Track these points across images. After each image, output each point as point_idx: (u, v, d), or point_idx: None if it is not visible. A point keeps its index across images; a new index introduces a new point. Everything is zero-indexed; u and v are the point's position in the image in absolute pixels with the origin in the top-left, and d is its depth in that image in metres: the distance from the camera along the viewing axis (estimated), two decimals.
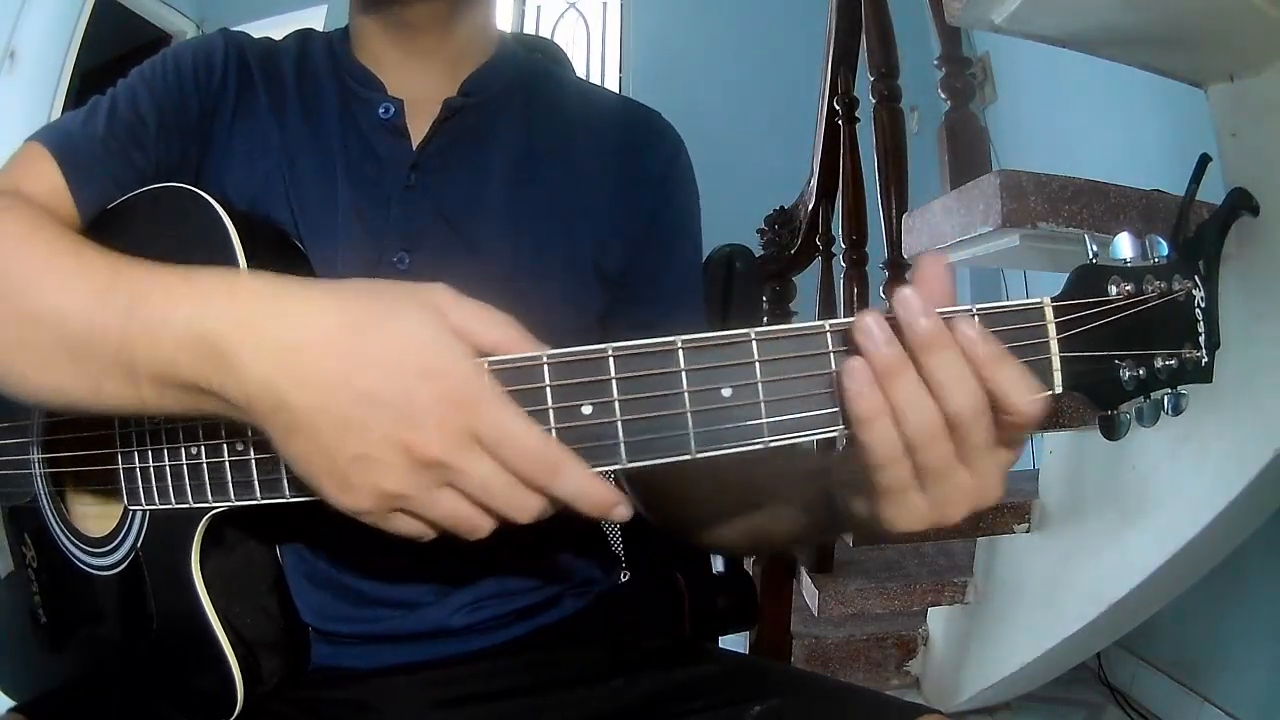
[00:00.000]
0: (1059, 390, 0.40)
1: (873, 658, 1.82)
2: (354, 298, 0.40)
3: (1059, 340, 0.40)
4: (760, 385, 0.39)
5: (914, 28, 2.06)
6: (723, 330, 0.39)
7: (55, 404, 0.45)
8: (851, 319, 0.38)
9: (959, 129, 1.91)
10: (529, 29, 3.49)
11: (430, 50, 0.64)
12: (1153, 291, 0.41)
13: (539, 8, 3.62)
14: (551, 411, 0.39)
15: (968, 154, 1.87)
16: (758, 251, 1.91)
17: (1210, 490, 1.17)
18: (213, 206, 0.51)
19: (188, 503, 0.49)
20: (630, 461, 0.39)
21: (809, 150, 1.98)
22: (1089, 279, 0.41)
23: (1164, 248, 0.42)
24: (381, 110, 0.62)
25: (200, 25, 3.29)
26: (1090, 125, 2.13)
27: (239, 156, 0.61)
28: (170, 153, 0.60)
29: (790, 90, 2.52)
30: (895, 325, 0.38)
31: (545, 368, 0.39)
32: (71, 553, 0.59)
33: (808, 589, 1.66)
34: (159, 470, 0.50)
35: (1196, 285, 0.41)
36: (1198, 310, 0.41)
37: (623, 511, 0.40)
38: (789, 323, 0.41)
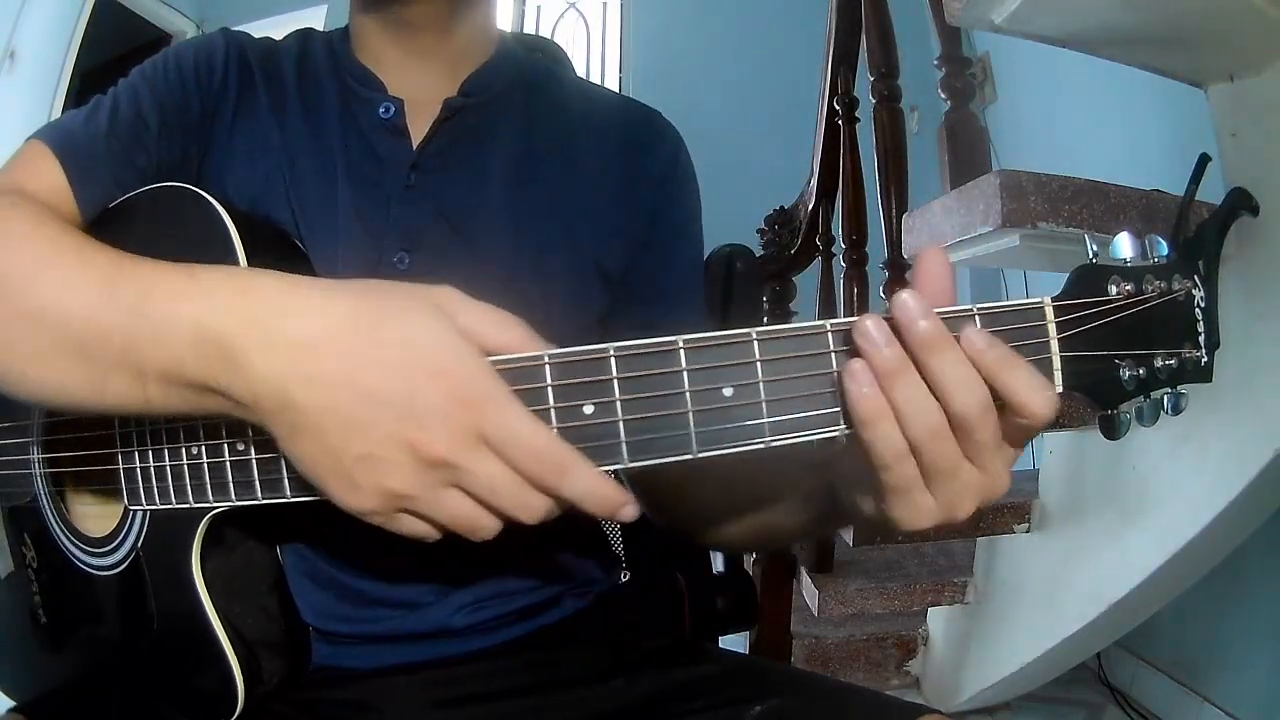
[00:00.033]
0: (1059, 389, 0.40)
1: (873, 658, 1.82)
2: (362, 297, 0.40)
3: (1059, 340, 0.40)
4: (762, 385, 0.39)
5: (914, 28, 2.06)
6: (723, 330, 0.39)
7: (57, 403, 0.45)
8: (853, 319, 0.38)
9: (959, 129, 1.91)
10: (529, 29, 3.49)
11: (430, 49, 0.64)
12: (1152, 291, 0.41)
13: (539, 8, 3.62)
14: (553, 411, 0.39)
15: (968, 154, 1.87)
16: (758, 251, 1.91)
17: (1210, 490, 1.17)
18: (213, 206, 0.51)
19: (188, 503, 0.49)
20: (632, 461, 0.39)
21: (809, 150, 1.98)
22: (1089, 279, 0.41)
23: (1164, 247, 0.42)
24: (382, 110, 0.62)
25: (200, 25, 3.29)
26: (1090, 125, 2.13)
27: (240, 156, 0.61)
28: (172, 152, 0.60)
29: (790, 90, 2.52)
30: (896, 327, 0.38)
31: (547, 368, 0.39)
32: (71, 553, 0.59)
33: (808, 589, 1.66)
34: (159, 470, 0.50)
35: (1196, 285, 0.41)
36: (1197, 310, 0.42)
37: (630, 511, 0.39)
38: (789, 323, 0.41)
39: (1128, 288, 0.40)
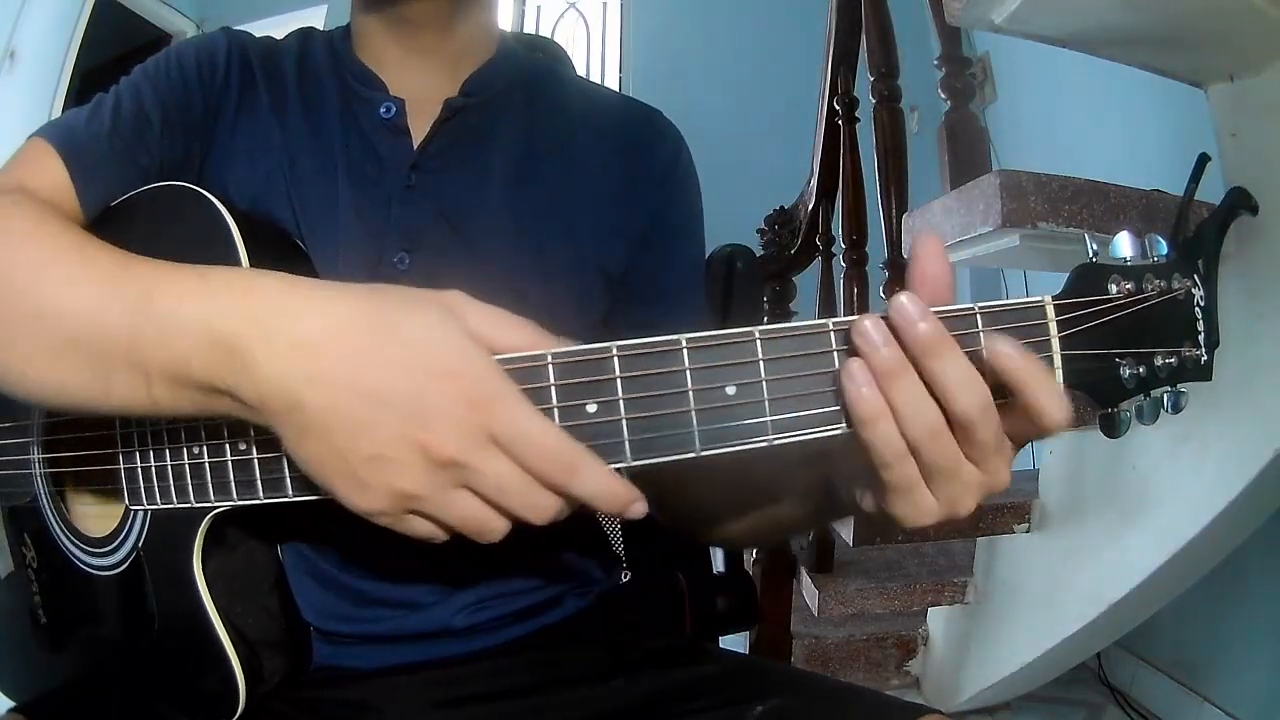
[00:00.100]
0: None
1: (873, 658, 1.82)
2: (369, 299, 0.40)
3: (1060, 338, 0.40)
4: (764, 384, 0.39)
5: (914, 28, 2.06)
6: (724, 330, 0.39)
7: (59, 404, 0.45)
8: (854, 317, 0.38)
9: (959, 129, 1.91)
10: (529, 29, 3.49)
11: (431, 48, 0.64)
12: (1152, 290, 0.41)
13: (539, 8, 3.62)
14: (556, 410, 0.39)
15: (968, 154, 1.87)
16: (758, 251, 1.91)
17: (1210, 490, 1.17)
18: (215, 205, 0.51)
19: (190, 502, 0.49)
20: (635, 460, 0.39)
21: (809, 150, 1.98)
22: (1089, 278, 0.41)
23: (1163, 247, 0.42)
24: (383, 110, 0.62)
25: (200, 25, 3.29)
26: (1090, 125, 2.13)
27: (241, 155, 0.61)
28: (174, 150, 0.59)
29: (790, 90, 2.52)
30: (894, 327, 0.38)
31: (550, 367, 0.39)
32: (72, 553, 0.59)
33: (808, 589, 1.66)
34: (160, 470, 0.50)
35: (1196, 284, 0.42)
36: (1197, 309, 0.42)
37: (639, 508, 0.39)
38: (790, 322, 0.41)
39: (1128, 287, 0.40)
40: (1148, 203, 1.18)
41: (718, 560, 0.93)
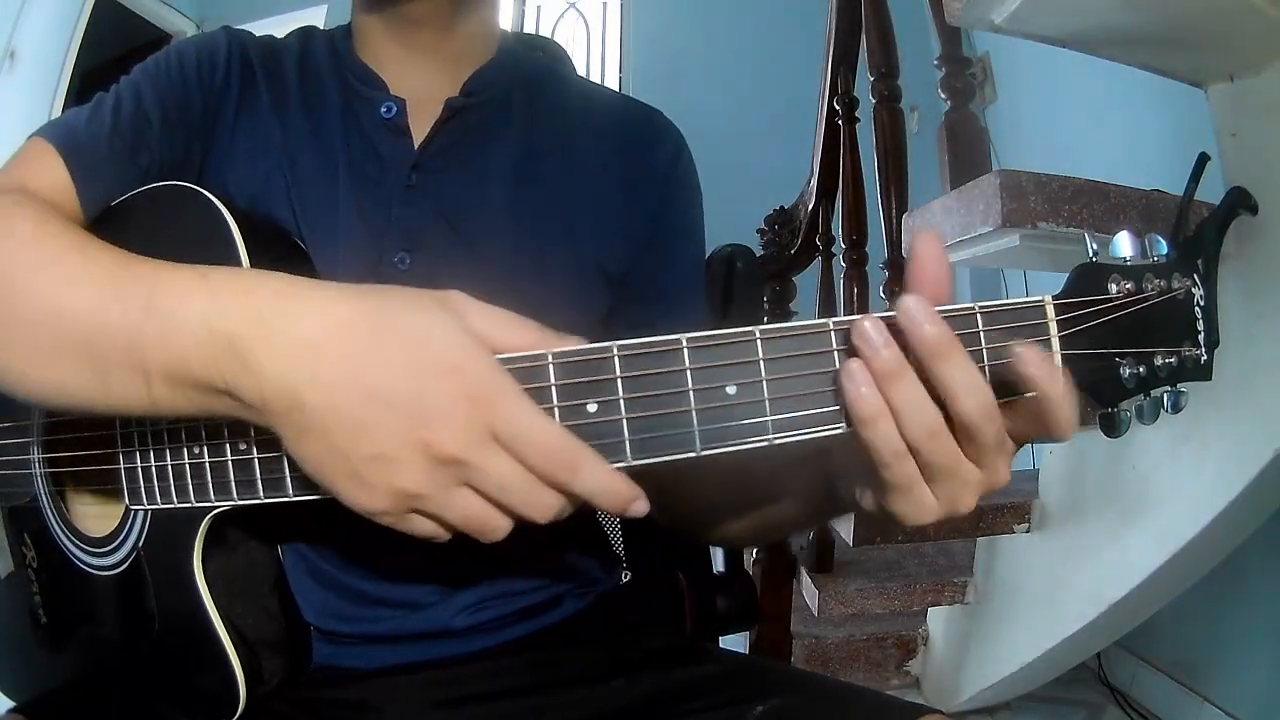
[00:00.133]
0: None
1: (873, 658, 1.82)
2: (369, 299, 0.40)
3: (1060, 338, 0.40)
4: (765, 383, 0.39)
5: (914, 28, 2.06)
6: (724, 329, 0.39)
7: (59, 403, 0.45)
8: (854, 317, 0.38)
9: (959, 129, 1.91)
10: (529, 29, 3.49)
11: (432, 48, 0.64)
12: (1152, 290, 0.41)
13: (539, 8, 3.62)
14: (556, 410, 0.39)
15: (968, 154, 1.87)
16: (758, 251, 1.91)
17: (1210, 490, 1.17)
18: (215, 205, 0.51)
19: (190, 502, 0.49)
20: (635, 459, 0.39)
21: (809, 150, 1.98)
22: (1089, 277, 0.41)
23: (1163, 246, 0.42)
24: (384, 109, 0.62)
25: (200, 25, 3.29)
26: (1090, 125, 2.13)
27: (241, 155, 0.61)
28: (174, 150, 0.59)
29: (790, 90, 2.52)
30: (894, 328, 0.38)
31: (550, 367, 0.39)
32: (72, 553, 0.59)
33: (808, 589, 1.66)
34: (161, 470, 0.50)
35: (1196, 284, 0.42)
36: (1197, 308, 0.42)
37: (641, 506, 0.39)
38: (790, 322, 0.41)
39: (1128, 286, 0.40)
40: (1148, 203, 1.18)
41: (718, 560, 0.93)
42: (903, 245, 1.48)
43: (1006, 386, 0.39)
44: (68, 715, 0.61)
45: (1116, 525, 1.35)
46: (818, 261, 1.97)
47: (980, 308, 0.39)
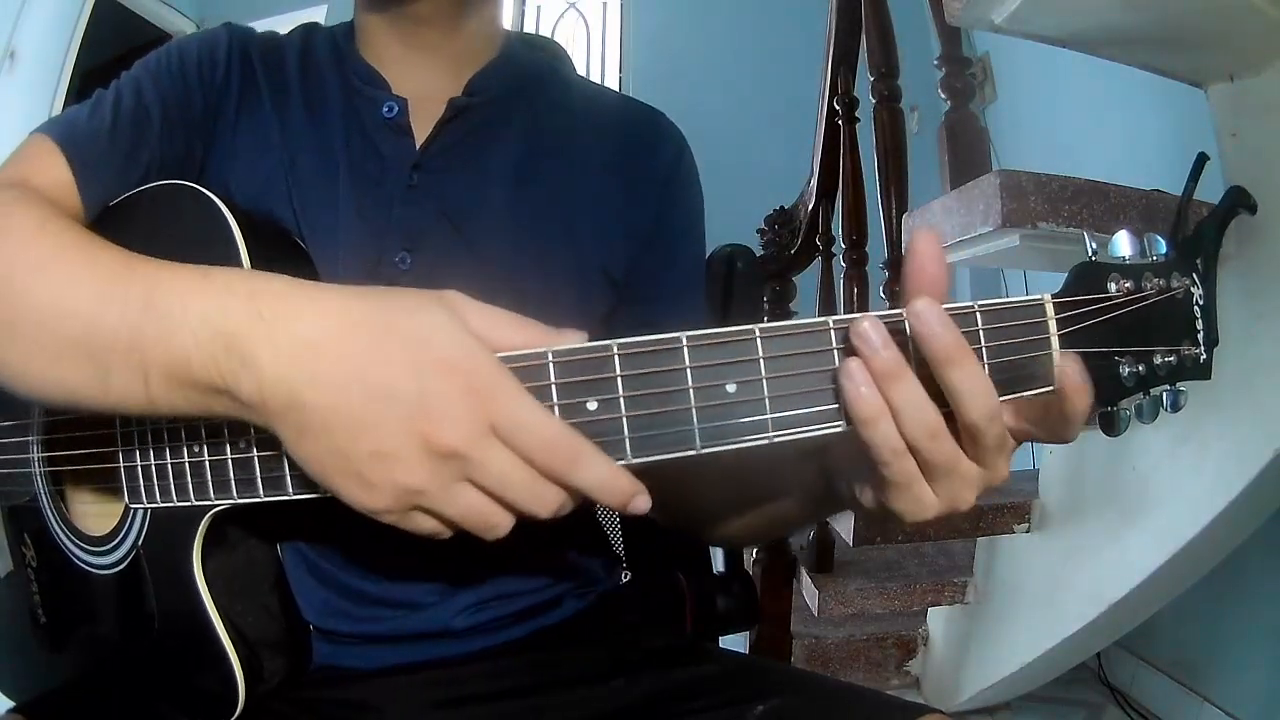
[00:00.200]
0: (1059, 387, 0.40)
1: (873, 658, 1.82)
2: (370, 299, 0.40)
3: (1059, 336, 0.40)
4: (764, 382, 0.39)
5: (914, 28, 2.06)
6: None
7: (59, 400, 0.45)
8: (854, 315, 0.38)
9: (959, 129, 1.91)
10: (529, 29, 3.50)
11: (435, 46, 0.64)
12: (1152, 289, 0.41)
13: (539, 8, 3.62)
14: (556, 408, 0.39)
15: (968, 154, 1.87)
16: (758, 251, 1.91)
17: (1210, 490, 1.17)
18: (215, 204, 0.51)
19: (189, 500, 0.49)
20: (635, 458, 0.39)
21: (809, 150, 1.98)
22: (1089, 276, 0.41)
23: (1162, 245, 0.42)
24: (385, 109, 0.62)
25: (200, 25, 3.29)
26: (1090, 125, 2.13)
27: (242, 154, 0.61)
28: (174, 146, 0.59)
29: (790, 90, 2.52)
30: (893, 327, 0.38)
31: (550, 365, 0.39)
32: (71, 552, 0.59)
33: (808, 589, 1.66)
34: (160, 468, 0.50)
35: (1195, 283, 0.42)
36: (1196, 307, 0.42)
37: (642, 502, 0.39)
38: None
39: (1127, 285, 0.40)
40: (1148, 203, 1.18)
41: (718, 560, 0.93)
42: (903, 245, 1.48)
43: (1008, 385, 0.39)
44: (67, 715, 0.61)
45: (1116, 525, 1.35)
46: (818, 261, 1.97)
47: (980, 306, 0.39)
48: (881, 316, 0.38)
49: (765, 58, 3.15)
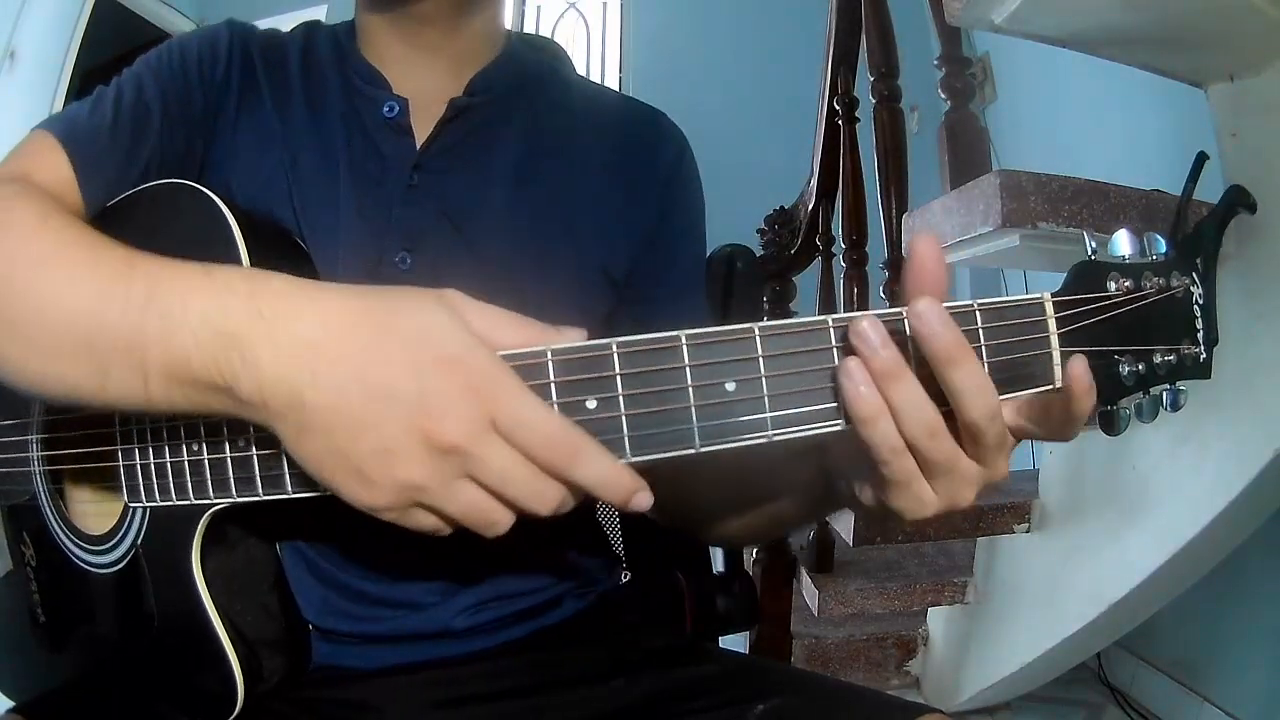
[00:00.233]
0: (1059, 385, 0.40)
1: (873, 658, 1.82)
2: (370, 298, 0.40)
3: (1059, 335, 0.40)
4: (763, 380, 0.39)
5: (914, 28, 2.06)
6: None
7: (56, 395, 0.45)
8: (853, 314, 0.38)
9: (959, 129, 1.91)
10: (529, 29, 3.49)
11: (437, 46, 0.64)
12: (1151, 288, 0.41)
13: (539, 8, 3.62)
14: (555, 407, 0.39)
15: (968, 154, 1.87)
16: (758, 251, 1.91)
17: (1210, 490, 1.17)
18: (215, 203, 0.51)
19: (189, 499, 0.49)
20: (634, 456, 0.39)
21: (809, 150, 1.98)
22: (1088, 275, 0.41)
23: (1162, 245, 0.42)
24: (386, 109, 0.62)
25: (200, 25, 3.28)
26: (1090, 125, 2.13)
27: (242, 153, 0.61)
28: (175, 143, 0.59)
29: (790, 90, 2.51)
30: (891, 326, 0.38)
31: (549, 363, 0.39)
32: (71, 551, 0.59)
33: (808, 589, 1.66)
34: (160, 467, 0.50)
35: (1195, 282, 0.42)
36: (1196, 306, 0.42)
37: (644, 499, 0.39)
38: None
39: (1127, 284, 0.40)
40: (1148, 203, 1.18)
41: (718, 560, 0.93)
42: (903, 245, 1.48)
43: (1008, 384, 0.39)
44: (67, 715, 0.61)
45: (1116, 525, 1.35)
46: (818, 261, 1.97)
47: (979, 305, 0.39)
48: (880, 315, 0.38)
49: (765, 58, 3.15)
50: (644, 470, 0.39)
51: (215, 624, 0.51)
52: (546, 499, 0.39)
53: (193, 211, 0.51)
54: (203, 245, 0.50)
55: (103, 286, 0.42)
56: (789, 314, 1.95)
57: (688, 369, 0.39)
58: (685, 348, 0.39)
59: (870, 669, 1.81)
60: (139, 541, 0.54)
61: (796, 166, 2.06)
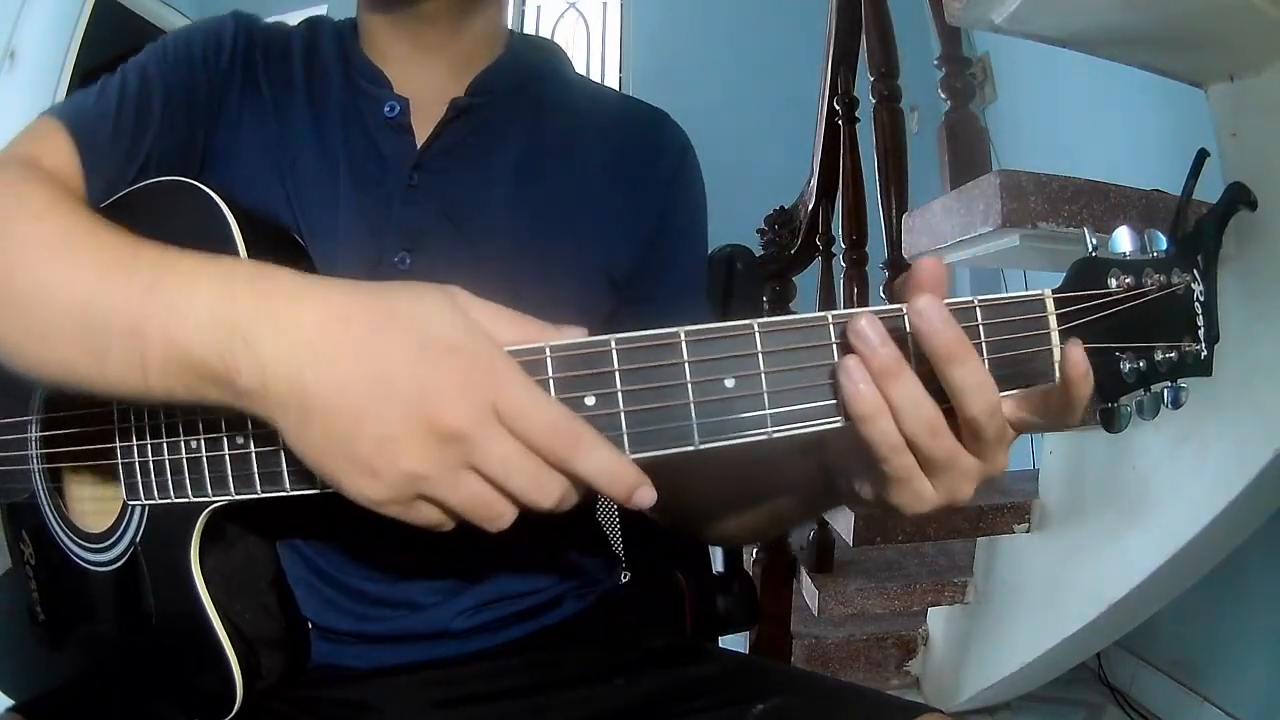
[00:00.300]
0: (1059, 382, 0.40)
1: (873, 658, 1.81)
2: (372, 289, 0.40)
3: (1060, 332, 0.40)
4: (763, 376, 0.39)
5: (914, 28, 2.06)
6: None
7: (57, 379, 0.45)
8: (852, 310, 0.38)
9: (959, 129, 1.91)
10: (529, 29, 3.49)
11: (438, 46, 0.64)
12: (1152, 285, 0.41)
13: (539, 8, 3.62)
14: None
15: (968, 154, 1.87)
16: (758, 251, 1.91)
17: (1210, 490, 1.17)
18: (214, 201, 0.51)
19: (187, 497, 0.49)
20: (633, 453, 0.39)
21: (809, 150, 1.98)
22: (1089, 272, 0.41)
23: (1163, 241, 0.42)
24: (387, 108, 0.62)
25: None
26: (1090, 125, 2.13)
27: (243, 151, 0.61)
28: (177, 130, 0.59)
29: (790, 90, 2.52)
30: (890, 324, 0.38)
31: (549, 360, 0.39)
32: (70, 549, 0.59)
33: (808, 589, 1.66)
34: (158, 464, 0.50)
35: (1195, 279, 0.42)
36: (1197, 304, 0.42)
37: (646, 494, 0.39)
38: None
39: (1127, 281, 0.40)
40: (1148, 203, 1.18)
41: (718, 560, 0.93)
42: (903, 245, 1.48)
43: (1009, 380, 0.39)
44: (66, 713, 0.61)
45: (1116, 525, 1.35)
46: (818, 261, 1.97)
47: (980, 302, 0.39)
48: (879, 313, 0.38)
49: (765, 58, 3.15)
50: (644, 469, 0.39)
51: (214, 622, 0.51)
52: (549, 491, 0.38)
53: (192, 209, 0.51)
54: (202, 243, 0.50)
55: (107, 271, 0.42)
56: (789, 314, 1.95)
57: (687, 365, 0.39)
58: (684, 344, 0.39)
59: (870, 669, 1.81)
60: (138, 539, 0.54)
61: (796, 166, 2.05)
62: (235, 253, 0.50)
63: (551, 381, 0.39)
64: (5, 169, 0.52)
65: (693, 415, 0.39)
